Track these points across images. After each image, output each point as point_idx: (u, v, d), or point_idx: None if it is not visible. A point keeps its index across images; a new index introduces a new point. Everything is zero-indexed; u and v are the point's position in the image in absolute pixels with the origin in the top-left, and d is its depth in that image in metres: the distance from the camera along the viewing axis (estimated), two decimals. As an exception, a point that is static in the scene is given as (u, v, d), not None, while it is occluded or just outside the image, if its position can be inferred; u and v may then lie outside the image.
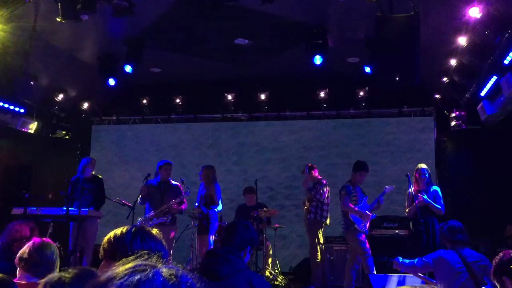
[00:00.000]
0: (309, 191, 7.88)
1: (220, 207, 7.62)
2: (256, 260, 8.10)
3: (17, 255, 2.87)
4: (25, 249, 2.86)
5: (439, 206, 6.67)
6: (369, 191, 7.65)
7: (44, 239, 3.01)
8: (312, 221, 7.76)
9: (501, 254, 3.08)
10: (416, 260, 4.42)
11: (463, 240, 4.29)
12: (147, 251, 1.54)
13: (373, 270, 6.85)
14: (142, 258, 0.98)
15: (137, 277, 0.88)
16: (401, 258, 4.61)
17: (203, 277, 0.95)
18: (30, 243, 2.90)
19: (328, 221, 7.80)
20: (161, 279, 0.89)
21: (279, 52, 8.99)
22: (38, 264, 2.80)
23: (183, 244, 8.85)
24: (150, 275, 0.89)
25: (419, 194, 6.68)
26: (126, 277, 0.88)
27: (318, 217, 7.71)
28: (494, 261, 3.10)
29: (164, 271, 0.92)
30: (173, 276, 0.90)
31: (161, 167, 7.44)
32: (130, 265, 0.91)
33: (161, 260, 0.97)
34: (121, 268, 0.91)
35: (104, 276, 0.90)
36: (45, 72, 8.96)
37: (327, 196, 7.78)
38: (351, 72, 9.26)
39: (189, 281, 0.91)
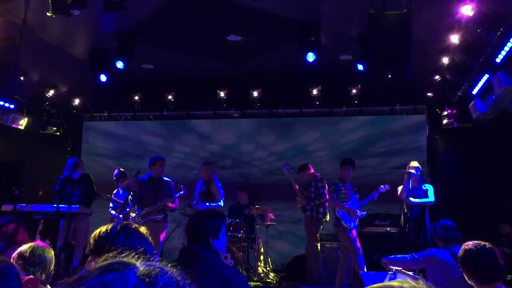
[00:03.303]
0: (304, 189, 7.87)
1: (221, 203, 7.56)
2: (248, 258, 8.08)
3: (17, 252, 2.92)
4: (27, 248, 2.94)
5: (427, 199, 6.76)
6: (360, 188, 7.64)
7: (44, 243, 3.10)
8: (308, 218, 7.75)
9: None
10: (408, 256, 4.45)
11: (455, 238, 4.30)
12: (130, 248, 1.51)
13: (364, 267, 6.87)
14: (122, 255, 0.95)
15: (108, 277, 0.85)
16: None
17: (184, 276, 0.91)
18: (34, 244, 2.99)
19: (327, 218, 7.80)
20: (133, 279, 0.85)
21: (272, 49, 8.96)
22: (34, 265, 2.87)
23: (175, 242, 8.81)
24: (122, 274, 0.85)
25: (409, 198, 6.74)
26: (96, 277, 0.85)
27: (314, 214, 7.71)
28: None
29: (140, 270, 0.87)
30: (146, 277, 0.86)
31: (154, 163, 7.34)
32: (104, 263, 0.88)
33: (143, 257, 0.93)
34: (96, 266, 0.88)
35: (77, 275, 0.87)
36: (36, 67, 8.89)
37: (324, 193, 7.76)
38: (344, 70, 9.25)
39: (166, 282, 0.86)
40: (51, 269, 2.96)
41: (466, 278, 3.08)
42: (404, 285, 0.92)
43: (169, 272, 0.90)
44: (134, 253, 0.95)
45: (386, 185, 7.38)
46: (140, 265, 0.89)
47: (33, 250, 2.92)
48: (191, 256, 2.78)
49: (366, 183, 8.74)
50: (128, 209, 7.16)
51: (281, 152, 10.36)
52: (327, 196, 7.65)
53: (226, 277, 2.68)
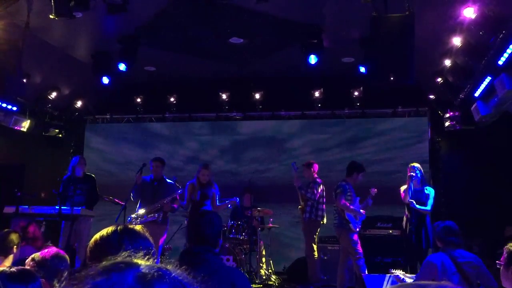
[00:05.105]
0: (302, 191, 7.86)
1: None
2: (250, 260, 8.08)
3: (31, 256, 2.95)
4: (40, 253, 2.96)
5: (424, 207, 6.74)
6: (361, 191, 7.60)
7: (58, 249, 3.11)
8: (307, 221, 7.74)
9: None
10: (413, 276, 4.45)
11: (455, 242, 4.25)
12: (134, 250, 1.51)
13: (365, 270, 6.83)
14: (125, 256, 0.94)
15: (109, 276, 0.84)
16: (401, 275, 4.57)
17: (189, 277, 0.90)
18: (48, 250, 3.00)
19: (324, 220, 7.77)
20: (131, 280, 0.84)
21: (274, 52, 8.97)
22: (45, 268, 2.87)
23: (178, 242, 8.81)
24: (122, 275, 0.84)
25: (411, 200, 6.73)
26: (97, 277, 0.84)
27: (313, 216, 7.69)
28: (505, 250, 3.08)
29: (143, 270, 0.86)
30: (144, 279, 0.85)
31: (153, 163, 7.39)
32: (106, 264, 0.87)
33: (147, 258, 0.93)
34: (98, 266, 0.87)
35: (79, 275, 0.86)
36: (38, 70, 8.91)
37: (322, 195, 7.76)
38: (346, 72, 9.25)
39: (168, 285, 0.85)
40: (64, 274, 2.95)
41: (505, 277, 2.98)
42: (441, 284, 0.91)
43: (170, 274, 0.88)
44: (139, 254, 0.94)
45: (373, 188, 7.34)
46: (143, 267, 0.87)
47: (46, 255, 2.92)
48: (195, 257, 2.76)
49: (368, 185, 8.71)
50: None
51: (281, 153, 10.36)
52: (317, 198, 7.65)
53: (231, 278, 2.68)
